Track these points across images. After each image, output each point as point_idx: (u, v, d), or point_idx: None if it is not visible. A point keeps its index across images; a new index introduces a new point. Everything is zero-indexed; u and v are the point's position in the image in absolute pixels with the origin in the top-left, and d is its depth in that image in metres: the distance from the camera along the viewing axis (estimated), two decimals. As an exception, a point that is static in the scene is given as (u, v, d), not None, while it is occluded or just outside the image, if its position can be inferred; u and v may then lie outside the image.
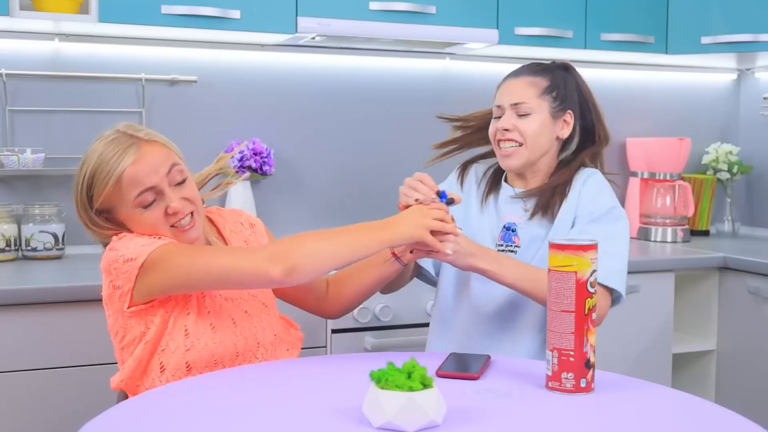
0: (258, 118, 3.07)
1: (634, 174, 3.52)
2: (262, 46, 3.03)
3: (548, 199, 1.92)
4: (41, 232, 2.65)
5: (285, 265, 1.56)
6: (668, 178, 3.43)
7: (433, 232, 1.67)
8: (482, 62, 3.30)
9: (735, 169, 3.58)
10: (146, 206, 1.66)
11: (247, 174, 2.91)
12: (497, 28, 2.96)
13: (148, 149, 1.67)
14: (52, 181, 2.81)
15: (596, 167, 1.99)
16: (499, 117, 1.95)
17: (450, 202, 1.76)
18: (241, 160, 2.91)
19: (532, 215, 1.93)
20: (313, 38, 2.84)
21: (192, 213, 1.71)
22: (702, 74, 3.74)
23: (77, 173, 1.70)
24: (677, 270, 2.98)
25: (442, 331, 2.00)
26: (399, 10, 2.81)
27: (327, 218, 3.17)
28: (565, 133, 1.96)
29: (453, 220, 1.73)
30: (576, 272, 1.45)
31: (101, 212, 1.69)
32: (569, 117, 1.96)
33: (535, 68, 1.97)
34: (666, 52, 3.26)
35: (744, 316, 2.96)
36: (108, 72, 2.86)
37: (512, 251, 1.92)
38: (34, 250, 2.65)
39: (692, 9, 3.21)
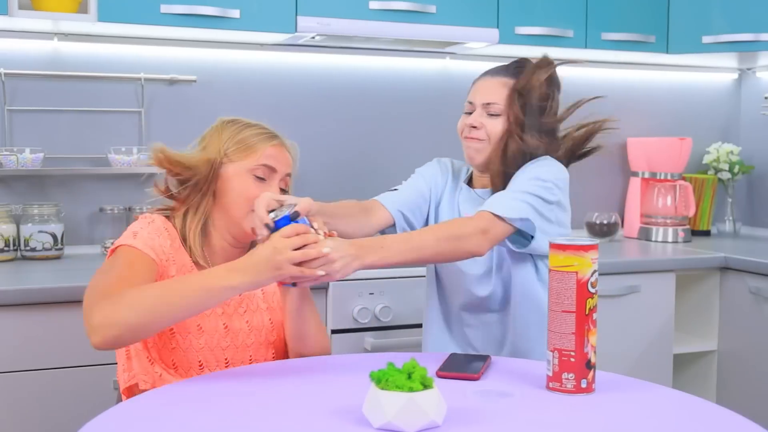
0: (257, 118, 2.98)
1: (635, 174, 3.51)
2: (262, 46, 3.02)
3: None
4: (40, 232, 2.64)
5: (98, 338, 1.45)
6: (669, 178, 3.43)
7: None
8: (483, 62, 3.28)
9: (736, 169, 3.57)
10: (258, 179, 1.74)
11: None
12: (497, 27, 2.95)
13: (286, 147, 1.81)
14: (51, 181, 2.80)
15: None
16: (470, 113, 1.96)
17: (295, 216, 1.56)
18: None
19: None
20: (313, 38, 2.83)
21: None
22: (703, 74, 3.74)
23: (213, 139, 1.77)
24: (678, 270, 2.98)
25: (440, 340, 2.02)
26: (399, 9, 2.80)
27: (327, 218, 3.15)
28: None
29: (316, 229, 1.56)
30: (577, 272, 1.44)
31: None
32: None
33: (513, 69, 1.97)
34: (667, 52, 3.25)
35: (745, 317, 2.95)
36: (107, 72, 2.86)
37: None
38: (33, 250, 2.64)
39: (693, 8, 3.20)
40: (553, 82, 1.96)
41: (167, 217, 1.76)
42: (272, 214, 1.57)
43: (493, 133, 1.91)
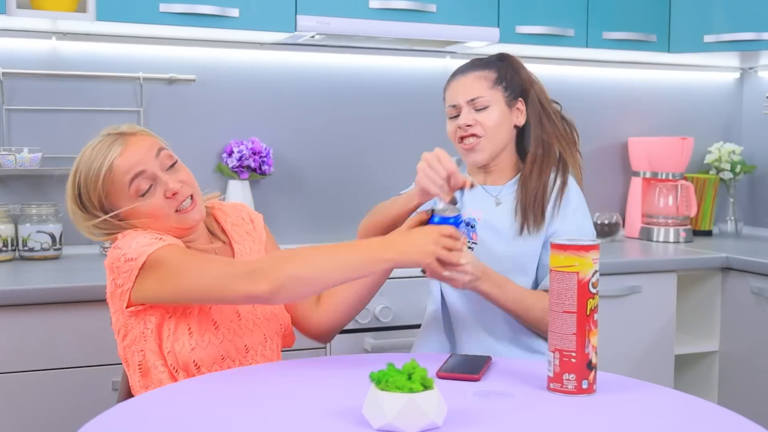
0: (257, 118, 3.06)
1: (636, 174, 3.50)
2: (261, 45, 3.01)
3: (535, 209, 1.91)
4: (38, 232, 2.63)
5: (267, 285, 1.53)
6: (671, 177, 3.42)
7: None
8: (483, 61, 3.28)
9: (738, 169, 3.56)
10: (144, 194, 1.66)
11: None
12: (498, 26, 2.94)
13: (133, 139, 1.69)
14: (50, 181, 2.79)
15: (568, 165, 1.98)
16: (456, 116, 1.96)
17: (458, 219, 1.70)
18: (240, 159, 2.89)
19: (523, 227, 1.91)
20: (313, 37, 2.82)
21: (192, 195, 1.71)
22: (704, 73, 3.73)
23: (70, 182, 1.70)
24: (680, 270, 2.97)
25: (437, 333, 2.00)
26: (399, 8, 2.79)
27: (326, 218, 3.15)
28: (521, 120, 1.97)
29: (465, 242, 1.70)
30: (578, 273, 1.43)
31: (107, 212, 1.68)
32: (521, 105, 1.97)
33: (478, 63, 1.98)
34: (668, 51, 3.24)
35: (747, 317, 2.94)
36: (106, 71, 2.85)
37: (470, 248, 1.92)
38: (31, 250, 2.63)
39: (695, 7, 3.19)
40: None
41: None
42: (441, 206, 1.70)
43: (489, 125, 1.92)
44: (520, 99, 1.97)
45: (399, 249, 1.59)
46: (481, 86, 1.93)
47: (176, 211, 1.69)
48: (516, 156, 2.00)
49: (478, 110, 1.92)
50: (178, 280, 1.59)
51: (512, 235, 1.91)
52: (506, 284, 1.82)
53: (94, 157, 1.67)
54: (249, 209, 1.94)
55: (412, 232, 1.65)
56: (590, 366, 1.45)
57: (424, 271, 1.71)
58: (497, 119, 1.92)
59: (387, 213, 1.92)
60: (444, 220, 1.68)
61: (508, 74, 1.96)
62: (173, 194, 1.67)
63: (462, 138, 1.95)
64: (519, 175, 1.97)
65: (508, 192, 1.96)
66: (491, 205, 1.95)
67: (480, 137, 1.92)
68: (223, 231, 1.86)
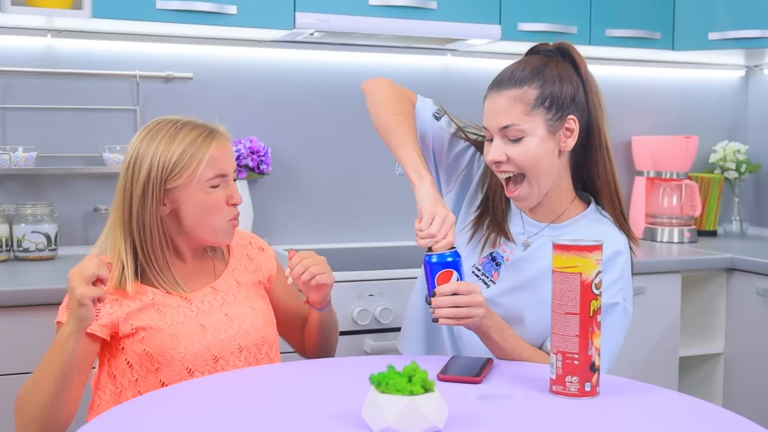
0: (255, 116, 3.03)
1: (640, 173, 3.48)
2: (260, 42, 2.99)
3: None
4: (33, 232, 2.61)
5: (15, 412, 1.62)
6: (675, 177, 3.40)
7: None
8: (484, 59, 3.26)
9: (743, 168, 3.54)
10: (213, 187, 1.69)
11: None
12: (500, 23, 2.92)
13: (225, 141, 1.72)
14: (45, 181, 2.78)
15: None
16: (491, 140, 1.68)
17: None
18: (238, 158, 2.87)
19: None
20: (312, 34, 2.80)
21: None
22: (709, 71, 3.71)
23: (144, 158, 1.65)
24: (684, 271, 2.94)
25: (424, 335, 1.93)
26: (399, 5, 2.77)
27: (325, 218, 3.13)
28: (570, 143, 1.67)
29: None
30: (581, 273, 1.41)
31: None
32: (572, 123, 1.66)
33: (519, 75, 1.66)
34: (672, 49, 3.22)
35: (752, 318, 2.92)
36: (102, 69, 2.83)
37: (485, 283, 1.75)
38: (26, 250, 2.60)
39: (699, 4, 3.17)
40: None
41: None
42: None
43: (523, 162, 1.64)
44: (570, 117, 1.65)
45: (69, 320, 1.56)
46: (515, 112, 1.63)
47: (228, 219, 1.71)
48: (569, 185, 1.74)
49: (512, 141, 1.64)
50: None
51: (518, 289, 1.74)
52: (507, 331, 1.66)
53: (190, 139, 1.66)
54: (259, 240, 1.92)
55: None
56: (593, 368, 1.43)
57: (435, 320, 1.59)
58: (534, 153, 1.63)
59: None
60: (440, 258, 1.58)
61: (557, 83, 1.65)
62: (235, 204, 1.71)
63: (496, 171, 1.70)
64: (573, 219, 1.74)
65: (549, 233, 1.73)
66: (519, 246, 1.75)
67: (516, 173, 1.66)
68: (228, 249, 1.84)
